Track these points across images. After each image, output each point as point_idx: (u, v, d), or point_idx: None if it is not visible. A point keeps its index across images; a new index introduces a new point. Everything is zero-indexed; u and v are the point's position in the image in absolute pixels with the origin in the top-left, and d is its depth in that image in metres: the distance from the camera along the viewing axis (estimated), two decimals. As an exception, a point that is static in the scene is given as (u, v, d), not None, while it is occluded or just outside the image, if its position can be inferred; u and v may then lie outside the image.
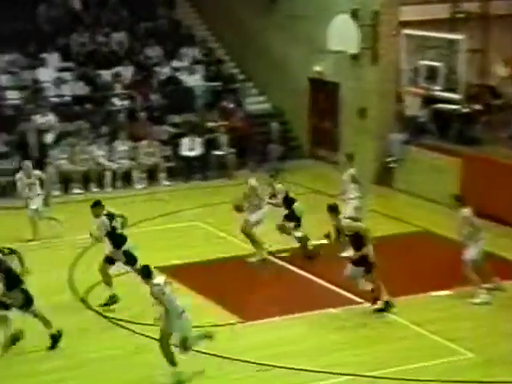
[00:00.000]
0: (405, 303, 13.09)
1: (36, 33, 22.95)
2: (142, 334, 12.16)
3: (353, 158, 15.94)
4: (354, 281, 12.74)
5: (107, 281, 13.13)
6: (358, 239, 12.52)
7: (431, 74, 18.74)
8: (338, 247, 13.99)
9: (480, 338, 12.02)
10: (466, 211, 13.29)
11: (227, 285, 14.22)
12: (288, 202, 15.30)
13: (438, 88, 18.64)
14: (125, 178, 20.29)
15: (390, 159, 19.89)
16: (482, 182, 17.07)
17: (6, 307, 11.69)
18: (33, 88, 21.43)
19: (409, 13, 19.43)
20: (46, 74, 21.86)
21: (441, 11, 19.72)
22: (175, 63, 23.23)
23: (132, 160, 20.48)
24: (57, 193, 19.47)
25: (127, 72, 22.58)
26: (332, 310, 12.98)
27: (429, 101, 19.40)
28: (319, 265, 14.79)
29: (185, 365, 10.94)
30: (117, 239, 13.13)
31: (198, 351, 11.42)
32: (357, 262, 12.58)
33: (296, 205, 15.32)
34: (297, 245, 15.27)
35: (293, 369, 11.20)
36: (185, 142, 21.00)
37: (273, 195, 15.40)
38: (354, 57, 20.15)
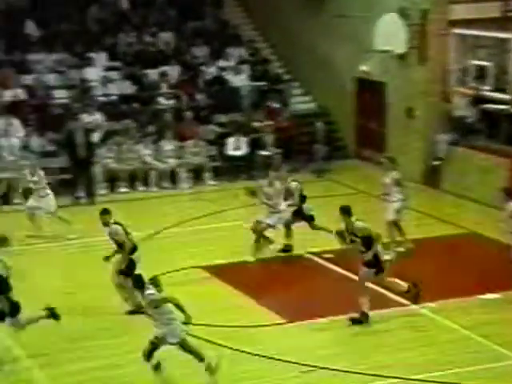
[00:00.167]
0: (453, 306, 12.93)
1: (84, 33, 23.19)
2: (187, 333, 12.12)
3: (394, 160, 15.74)
4: (365, 282, 12.60)
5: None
6: (369, 242, 12.46)
7: (480, 74, 18.48)
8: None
9: (529, 343, 11.81)
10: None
11: (271, 285, 14.18)
12: (302, 199, 15.45)
13: (487, 88, 18.38)
14: (170, 177, 20.38)
15: (436, 160, 19.67)
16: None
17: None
18: (80, 87, 21.65)
19: (458, 11, 19.16)
20: (93, 74, 22.05)
21: (491, 10, 19.36)
22: (221, 63, 23.26)
23: (178, 159, 20.55)
24: (103, 191, 19.67)
25: (174, 71, 22.68)
26: (377, 312, 12.83)
27: (477, 101, 19.14)
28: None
29: (227, 364, 10.91)
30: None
31: (242, 351, 11.41)
32: (369, 263, 12.51)
33: (305, 205, 15.45)
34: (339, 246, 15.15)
35: (337, 370, 11.09)
36: (230, 141, 21.02)
37: (290, 195, 15.38)
38: (401, 56, 19.97)
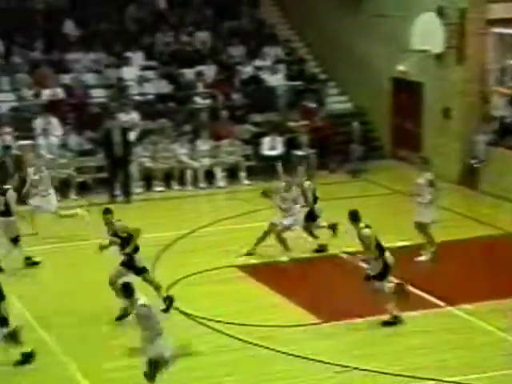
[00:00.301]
0: (489, 308, 12.80)
1: (122, 32, 23.36)
2: (223, 333, 12.18)
3: (428, 161, 15.57)
4: (383, 292, 12.41)
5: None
6: (380, 247, 12.30)
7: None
8: (415, 251, 13.65)
9: None
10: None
11: (306, 284, 14.16)
12: (314, 200, 15.44)
13: (526, 88, 18.21)
14: (206, 177, 20.45)
15: (474, 160, 19.49)
16: None
17: None
18: (117, 86, 21.81)
19: (497, 10, 18.99)
20: (130, 73, 22.20)
21: (530, 9, 19.22)
22: (258, 62, 23.28)
23: (213, 158, 20.61)
24: (139, 190, 19.80)
25: (210, 71, 22.75)
26: (413, 313, 12.75)
27: (516, 101, 18.98)
28: (399, 268, 14.56)
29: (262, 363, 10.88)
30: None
31: (278, 351, 11.41)
32: (377, 276, 12.32)
33: (317, 206, 15.41)
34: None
35: (372, 371, 11.05)
36: (266, 141, 21.02)
37: (304, 197, 15.34)
38: (439, 56, 19.82)
